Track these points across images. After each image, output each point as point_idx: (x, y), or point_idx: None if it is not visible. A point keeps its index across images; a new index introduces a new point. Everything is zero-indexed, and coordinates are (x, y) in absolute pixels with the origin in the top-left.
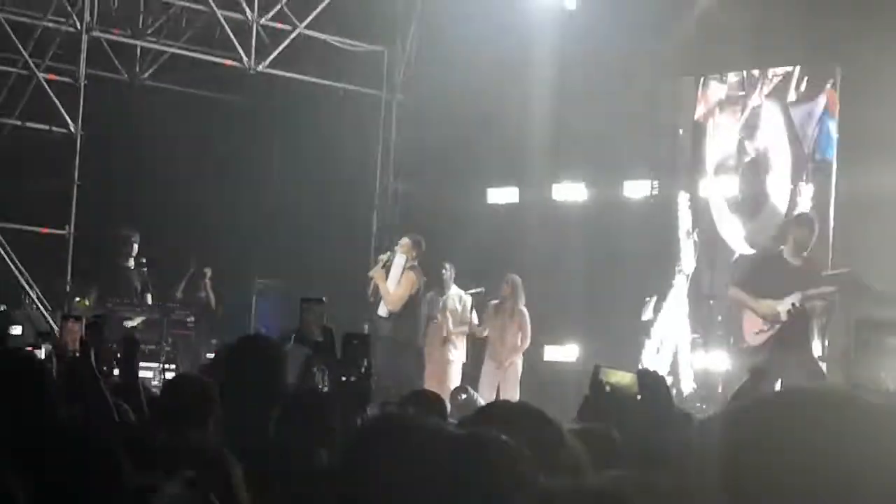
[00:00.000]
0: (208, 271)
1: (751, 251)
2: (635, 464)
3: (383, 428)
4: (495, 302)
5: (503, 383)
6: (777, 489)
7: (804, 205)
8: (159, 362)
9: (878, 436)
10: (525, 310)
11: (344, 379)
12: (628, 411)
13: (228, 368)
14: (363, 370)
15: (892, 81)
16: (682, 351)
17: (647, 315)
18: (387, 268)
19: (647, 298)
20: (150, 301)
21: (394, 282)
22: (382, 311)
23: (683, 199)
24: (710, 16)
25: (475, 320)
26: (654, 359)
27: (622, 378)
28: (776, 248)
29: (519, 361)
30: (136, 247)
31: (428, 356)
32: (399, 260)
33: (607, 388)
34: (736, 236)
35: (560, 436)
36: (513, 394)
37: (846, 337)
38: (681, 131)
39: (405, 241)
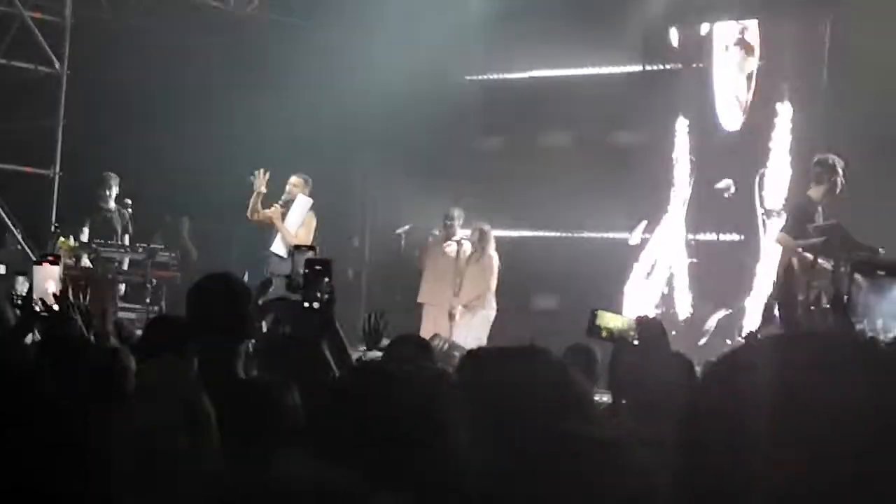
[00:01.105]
0: (186, 220)
1: None
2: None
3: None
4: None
5: (465, 327)
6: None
7: None
8: (143, 304)
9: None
10: (493, 255)
11: (306, 305)
12: (623, 355)
13: (192, 305)
14: (326, 295)
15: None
16: (678, 276)
17: (634, 240)
18: (286, 206)
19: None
20: (127, 242)
21: (296, 223)
22: (280, 249)
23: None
24: None
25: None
26: (642, 283)
27: (619, 322)
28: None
29: (488, 309)
30: (115, 189)
31: (426, 301)
32: (301, 199)
33: (604, 333)
34: None
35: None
36: (475, 340)
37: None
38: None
39: (297, 179)
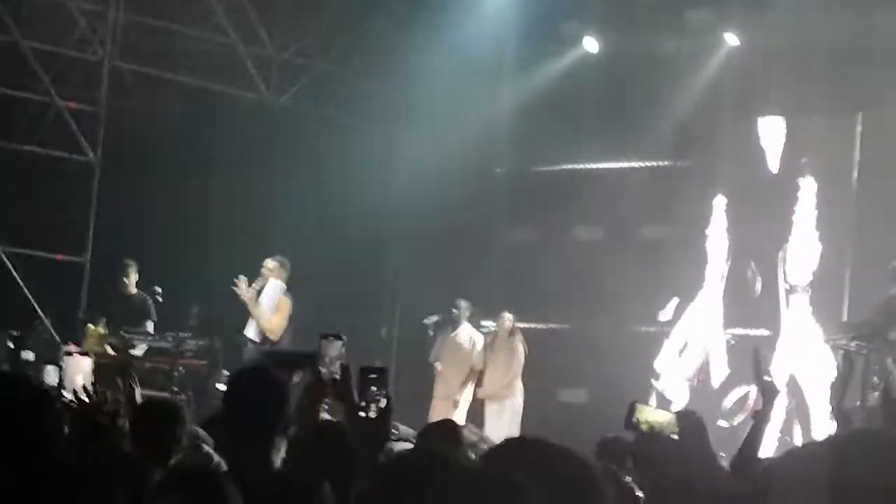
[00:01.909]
0: (195, 308)
1: None
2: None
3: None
4: (491, 340)
5: (496, 419)
6: None
7: None
8: (170, 391)
9: None
10: (520, 344)
11: (363, 415)
12: (665, 451)
13: (230, 398)
14: (383, 407)
15: None
16: (714, 351)
17: (665, 316)
18: (259, 292)
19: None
20: (150, 329)
21: (270, 308)
22: (253, 333)
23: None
24: None
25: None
26: (675, 360)
27: (659, 416)
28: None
29: (517, 398)
30: (133, 275)
31: (438, 394)
32: (274, 283)
33: (644, 427)
34: None
35: (592, 478)
36: (509, 430)
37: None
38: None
39: (272, 263)
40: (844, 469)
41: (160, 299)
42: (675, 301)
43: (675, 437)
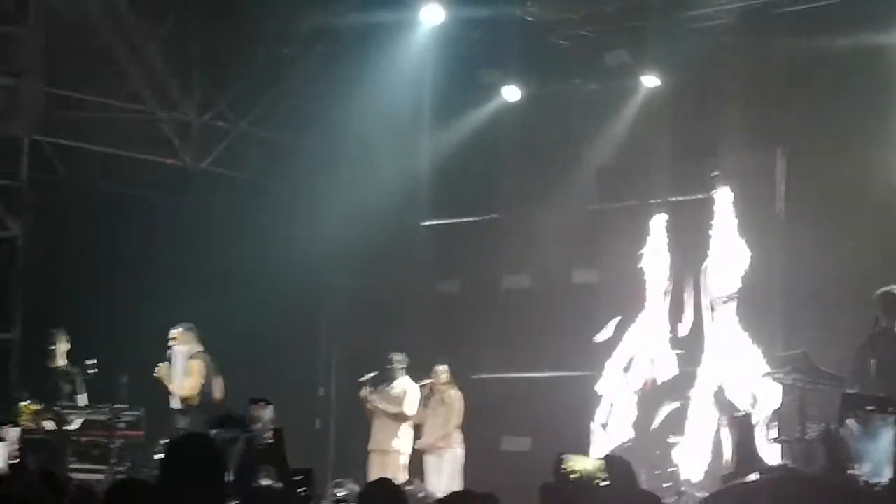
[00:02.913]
0: (124, 378)
1: None
2: None
3: None
4: (429, 394)
5: (437, 471)
6: None
7: None
8: (109, 465)
9: None
10: (457, 393)
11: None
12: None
13: (167, 469)
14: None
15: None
16: (662, 367)
17: (604, 336)
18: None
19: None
20: (83, 402)
21: (179, 374)
22: (175, 403)
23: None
24: None
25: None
26: (619, 378)
27: (586, 464)
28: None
29: (456, 449)
30: (63, 345)
31: (372, 448)
32: (180, 349)
33: (572, 476)
34: None
35: None
36: (449, 482)
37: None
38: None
39: (175, 331)
40: None
41: (96, 370)
42: (615, 321)
43: (605, 483)
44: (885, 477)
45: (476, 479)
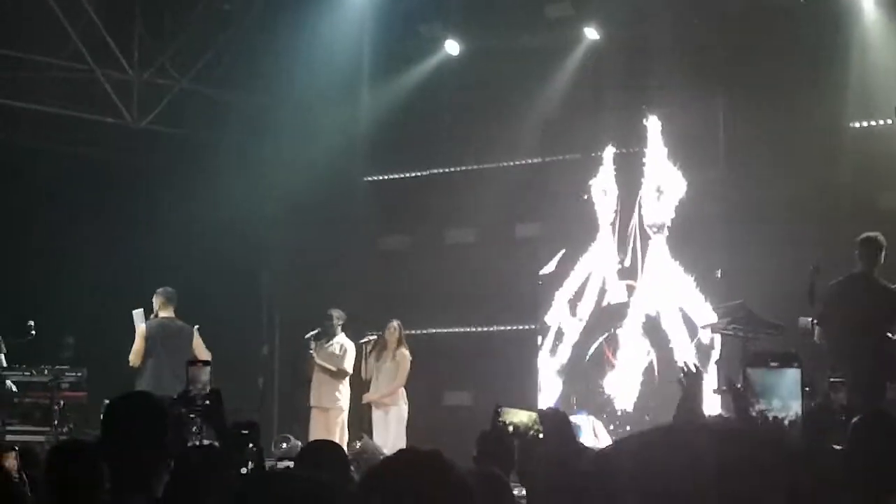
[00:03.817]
0: (69, 338)
1: None
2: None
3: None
4: (379, 349)
5: (383, 427)
6: None
7: None
8: (51, 426)
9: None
10: (406, 352)
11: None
12: (529, 450)
13: (109, 427)
14: (256, 462)
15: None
16: (608, 289)
17: (549, 268)
18: None
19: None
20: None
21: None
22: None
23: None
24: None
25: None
26: (568, 307)
27: (523, 417)
28: None
29: (401, 405)
30: None
31: (314, 404)
32: (137, 313)
33: (510, 428)
34: None
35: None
36: (395, 438)
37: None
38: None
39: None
40: (668, 464)
41: (33, 333)
42: (560, 253)
43: (540, 435)
44: (793, 411)
45: (420, 435)
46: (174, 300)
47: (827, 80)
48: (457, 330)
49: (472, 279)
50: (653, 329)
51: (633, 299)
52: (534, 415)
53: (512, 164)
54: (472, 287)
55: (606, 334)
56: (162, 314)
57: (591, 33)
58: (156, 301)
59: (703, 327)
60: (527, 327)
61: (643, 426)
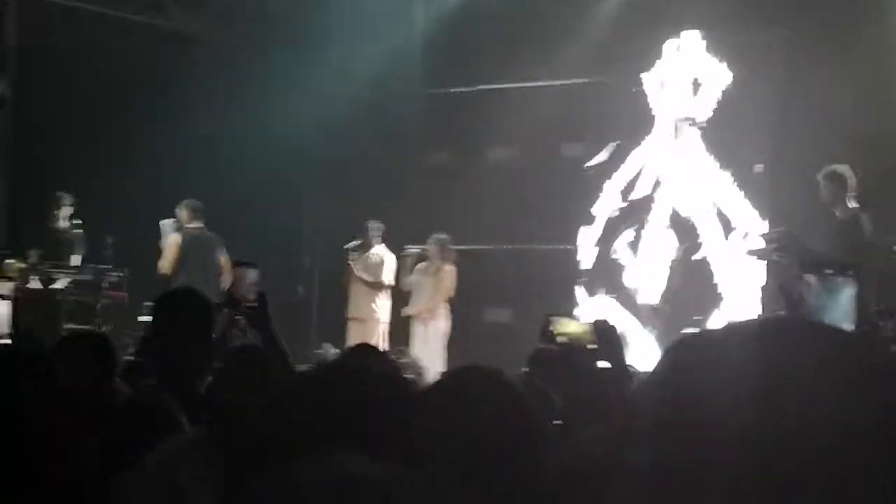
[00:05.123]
0: (109, 238)
1: None
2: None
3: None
4: (423, 264)
5: (422, 341)
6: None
7: None
8: (93, 324)
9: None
10: (451, 268)
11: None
12: (582, 363)
13: (156, 322)
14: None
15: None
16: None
17: (599, 159)
18: None
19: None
20: (76, 262)
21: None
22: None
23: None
24: None
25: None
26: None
27: (574, 327)
28: None
29: (441, 321)
30: (66, 209)
31: (351, 316)
32: (166, 223)
33: (559, 339)
34: None
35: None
36: (433, 352)
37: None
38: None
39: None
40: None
41: (81, 231)
42: (612, 144)
43: (593, 346)
44: None
45: (459, 350)
46: (202, 212)
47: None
48: (497, 247)
49: (515, 197)
50: (680, 224)
51: (659, 192)
52: (586, 325)
53: (559, 83)
54: (512, 204)
55: (634, 227)
56: (192, 225)
57: None
58: (184, 212)
59: (749, 253)
60: (568, 247)
61: (664, 320)
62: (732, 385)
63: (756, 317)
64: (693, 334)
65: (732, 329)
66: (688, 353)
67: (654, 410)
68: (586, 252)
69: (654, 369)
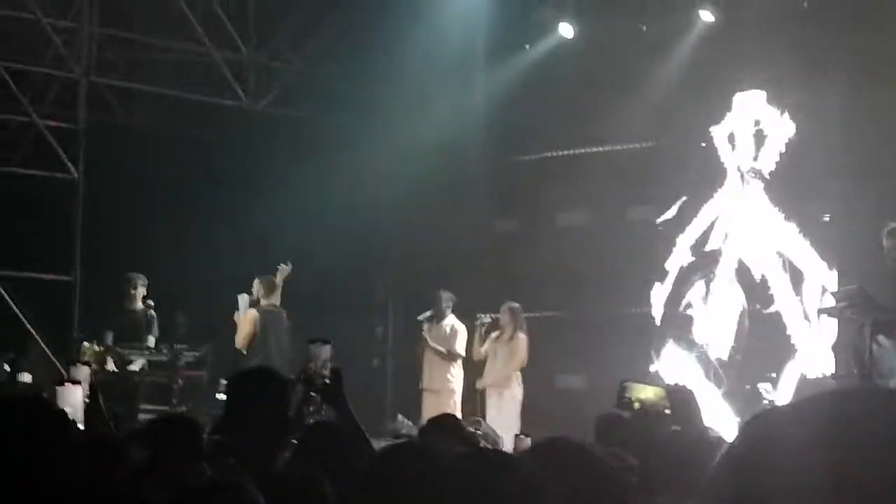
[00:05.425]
0: (181, 317)
1: None
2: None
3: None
4: (496, 333)
5: (497, 410)
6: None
7: None
8: (171, 404)
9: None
10: (524, 336)
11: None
12: (656, 429)
13: (232, 402)
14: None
15: None
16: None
17: (668, 215)
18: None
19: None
20: (151, 343)
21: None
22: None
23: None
24: None
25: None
26: (692, 251)
27: (650, 392)
28: None
29: (515, 389)
30: (141, 289)
31: (426, 387)
32: (243, 298)
33: (635, 405)
34: None
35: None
36: (510, 421)
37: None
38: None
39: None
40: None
41: (153, 312)
42: (681, 200)
43: (667, 411)
44: None
45: (533, 418)
46: (277, 288)
47: None
48: (567, 313)
49: (584, 262)
50: (747, 277)
51: (727, 244)
52: (661, 390)
53: (624, 147)
54: (583, 270)
55: (705, 279)
56: (267, 301)
57: (706, 15)
58: (261, 287)
59: (820, 311)
60: (638, 310)
61: (734, 375)
62: (810, 466)
63: (830, 386)
64: (769, 410)
65: (808, 404)
66: (764, 431)
67: (730, 494)
68: (659, 306)
69: (731, 446)
